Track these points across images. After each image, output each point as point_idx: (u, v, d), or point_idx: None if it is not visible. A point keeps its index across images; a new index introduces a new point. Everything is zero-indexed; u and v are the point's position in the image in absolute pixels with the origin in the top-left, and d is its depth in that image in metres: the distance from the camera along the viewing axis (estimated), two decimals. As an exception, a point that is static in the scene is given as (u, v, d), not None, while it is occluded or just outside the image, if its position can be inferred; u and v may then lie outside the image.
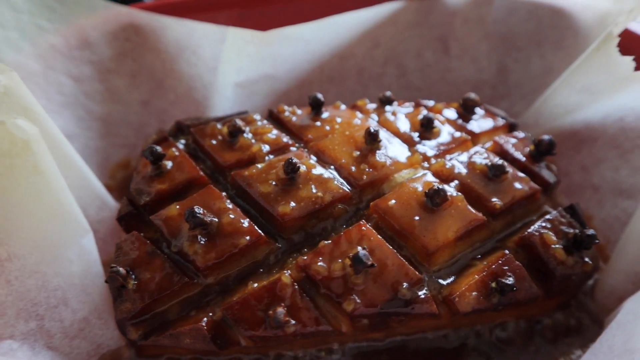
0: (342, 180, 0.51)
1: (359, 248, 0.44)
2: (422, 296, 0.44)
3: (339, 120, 0.58)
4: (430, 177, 0.51)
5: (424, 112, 0.57)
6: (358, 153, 0.53)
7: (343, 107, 0.62)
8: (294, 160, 0.49)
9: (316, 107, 0.58)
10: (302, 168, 0.50)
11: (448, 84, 0.75)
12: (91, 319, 0.48)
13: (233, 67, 0.63)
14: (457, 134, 0.57)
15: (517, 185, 0.52)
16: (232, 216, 0.47)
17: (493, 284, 0.45)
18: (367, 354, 0.50)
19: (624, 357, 0.39)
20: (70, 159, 0.50)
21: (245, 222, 0.47)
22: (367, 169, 0.51)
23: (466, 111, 0.61)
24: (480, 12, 0.73)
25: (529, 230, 0.49)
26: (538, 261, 0.48)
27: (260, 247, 0.47)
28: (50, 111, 0.58)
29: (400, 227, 0.47)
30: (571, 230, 0.49)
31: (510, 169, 0.52)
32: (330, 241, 0.46)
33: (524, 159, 0.55)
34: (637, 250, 0.52)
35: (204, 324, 0.43)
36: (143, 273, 0.45)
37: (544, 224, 0.49)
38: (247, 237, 0.46)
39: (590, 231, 0.47)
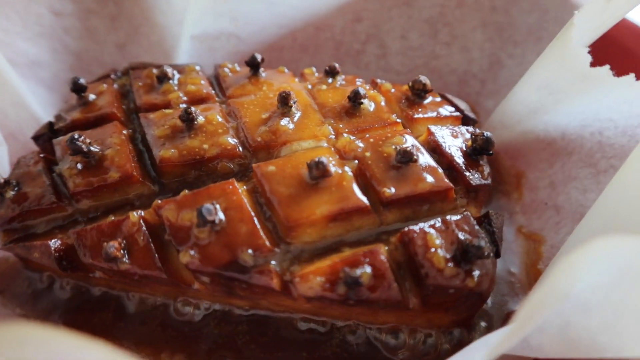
0: (236, 138, 0.49)
1: (216, 206, 0.42)
2: (263, 267, 0.41)
3: (271, 82, 0.56)
4: (328, 152, 0.48)
5: (359, 88, 0.53)
6: (267, 115, 0.51)
7: (287, 71, 0.59)
8: (190, 109, 0.49)
9: (253, 67, 0.57)
10: (201, 119, 0.50)
11: (431, 72, 0.69)
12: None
13: (191, 20, 0.64)
14: (388, 116, 0.52)
15: (425, 177, 0.46)
16: (116, 151, 0.48)
17: (342, 274, 0.40)
18: (228, 320, 0.49)
19: None
20: (7, 81, 0.55)
21: (125, 160, 0.47)
22: (266, 132, 0.49)
23: (414, 95, 0.55)
24: (480, -3, 0.65)
25: (412, 227, 0.43)
26: (412, 263, 0.42)
27: (133, 185, 0.47)
28: (25, 38, 0.63)
29: (270, 194, 0.44)
30: (468, 238, 0.43)
31: (422, 159, 0.47)
32: (191, 192, 0.45)
33: (453, 153, 0.49)
34: None
35: (53, 242, 0.44)
36: (25, 187, 0.48)
37: (435, 223, 0.43)
38: (119, 173, 0.46)
39: (479, 242, 0.41)
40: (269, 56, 0.69)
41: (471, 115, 0.56)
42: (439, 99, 0.57)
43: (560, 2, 0.60)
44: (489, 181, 0.48)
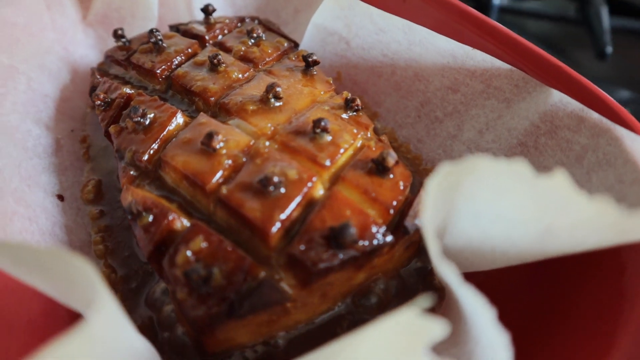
0: (221, 93, 0.58)
1: (145, 111, 0.54)
2: (127, 169, 0.52)
3: (306, 83, 0.61)
4: (244, 140, 0.51)
5: (326, 120, 0.52)
6: (257, 94, 0.57)
7: (331, 83, 0.62)
8: (218, 57, 0.60)
9: (306, 62, 0.62)
10: (222, 67, 0.60)
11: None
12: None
13: (321, 8, 0.71)
14: (322, 156, 0.50)
15: (263, 209, 0.45)
16: (168, 55, 0.64)
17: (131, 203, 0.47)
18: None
19: None
20: None
21: (163, 62, 0.63)
22: (235, 101, 0.56)
23: (375, 162, 0.51)
24: (581, 136, 0.51)
25: (203, 224, 0.45)
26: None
27: (154, 79, 0.63)
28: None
29: (181, 132, 0.53)
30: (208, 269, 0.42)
31: (284, 197, 0.46)
32: (150, 99, 0.57)
33: (317, 222, 0.45)
34: None
35: (97, 78, 0.66)
36: (131, 44, 0.70)
37: (218, 237, 0.44)
38: (150, 66, 0.63)
39: (194, 270, 0.41)
40: (367, 75, 0.72)
41: (409, 224, 0.48)
42: (404, 189, 0.50)
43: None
44: (311, 266, 0.43)
